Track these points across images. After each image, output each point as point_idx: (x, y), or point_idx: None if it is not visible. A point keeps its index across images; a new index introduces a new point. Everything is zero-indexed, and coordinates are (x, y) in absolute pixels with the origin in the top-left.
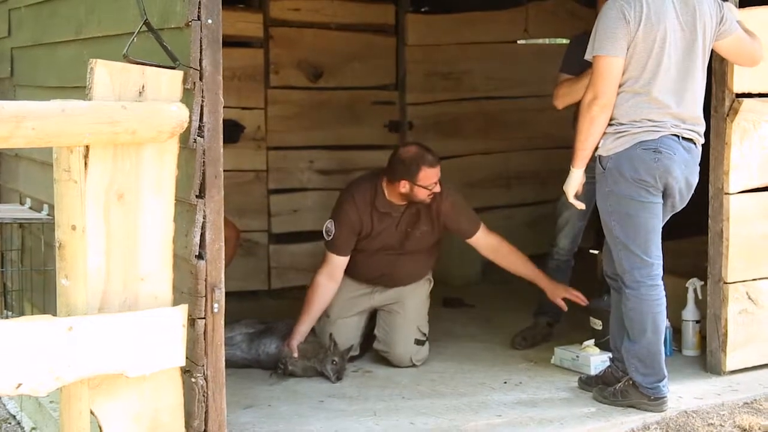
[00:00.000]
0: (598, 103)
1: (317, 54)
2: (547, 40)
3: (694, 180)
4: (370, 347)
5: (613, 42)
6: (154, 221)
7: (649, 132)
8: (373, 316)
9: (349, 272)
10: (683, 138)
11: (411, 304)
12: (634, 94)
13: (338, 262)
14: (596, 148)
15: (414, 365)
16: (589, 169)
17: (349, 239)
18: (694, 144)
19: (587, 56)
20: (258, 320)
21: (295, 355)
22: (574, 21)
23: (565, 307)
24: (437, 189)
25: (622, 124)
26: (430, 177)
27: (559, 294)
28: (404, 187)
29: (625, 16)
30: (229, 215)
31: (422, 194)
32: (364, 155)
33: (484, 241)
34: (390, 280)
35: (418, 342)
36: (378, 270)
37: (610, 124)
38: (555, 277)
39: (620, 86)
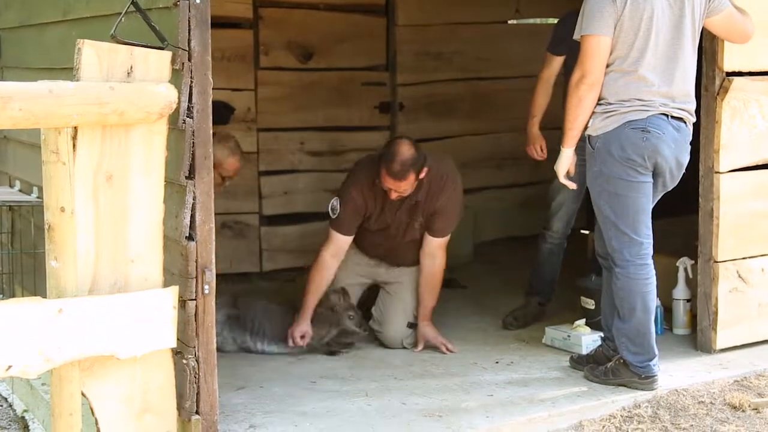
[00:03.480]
0: (585, 82)
1: (307, 35)
2: (538, 20)
3: (685, 159)
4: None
5: (600, 21)
6: (143, 203)
7: (637, 111)
8: (371, 293)
9: (358, 244)
10: (673, 117)
11: (409, 288)
12: (622, 73)
13: (342, 242)
14: (586, 128)
15: (405, 348)
16: (581, 150)
17: (354, 219)
18: (684, 123)
19: (575, 36)
20: (229, 298)
21: (305, 341)
22: (565, 0)
23: (419, 347)
24: (393, 196)
25: (610, 103)
26: (386, 181)
27: (425, 337)
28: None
29: None
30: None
31: (385, 189)
32: (354, 136)
33: (428, 249)
34: (392, 260)
35: (411, 325)
36: (380, 249)
37: (598, 104)
38: (549, 260)
39: (608, 66)
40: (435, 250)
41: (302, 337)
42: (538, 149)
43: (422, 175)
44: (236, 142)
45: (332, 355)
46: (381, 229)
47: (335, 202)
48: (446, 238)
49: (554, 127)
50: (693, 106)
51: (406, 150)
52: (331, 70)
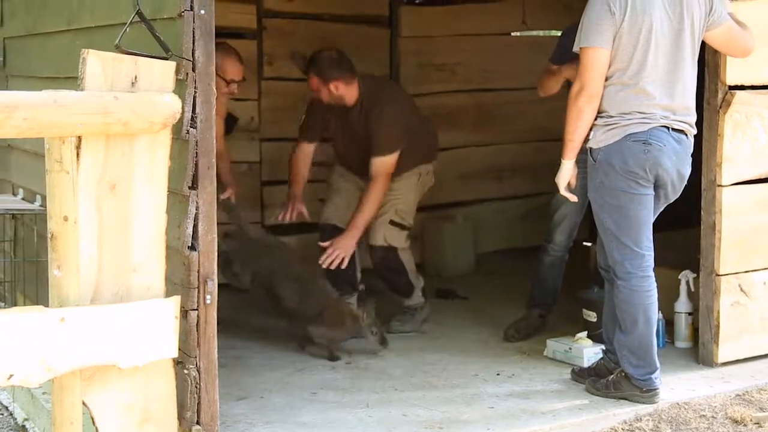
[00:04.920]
0: (584, 94)
1: (311, 45)
2: (541, 32)
3: (687, 171)
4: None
5: (598, 34)
6: (146, 212)
7: (638, 124)
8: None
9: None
10: (673, 129)
11: (392, 186)
12: (622, 86)
13: (306, 148)
14: (587, 141)
15: (389, 245)
16: (583, 163)
17: (314, 124)
18: (686, 135)
19: (575, 48)
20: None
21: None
22: (570, 13)
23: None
24: (320, 95)
25: (611, 116)
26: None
27: (335, 243)
28: None
29: (610, 8)
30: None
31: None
32: None
33: (371, 171)
34: (361, 173)
35: (393, 223)
36: (349, 161)
37: (599, 117)
38: (550, 273)
39: (608, 78)
40: (374, 172)
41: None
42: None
43: (332, 86)
44: (230, 46)
45: (333, 359)
46: (336, 140)
47: (302, 115)
48: (382, 161)
49: (554, 139)
50: (693, 119)
51: (321, 53)
52: None
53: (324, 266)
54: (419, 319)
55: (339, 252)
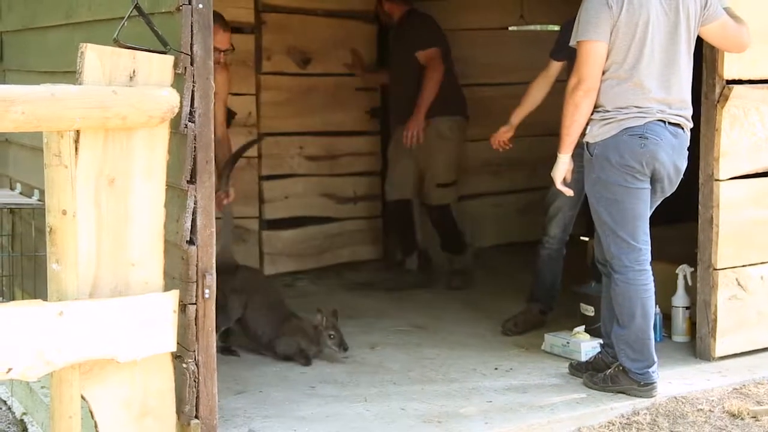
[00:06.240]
0: (581, 88)
1: (305, 40)
2: (538, 27)
3: (683, 165)
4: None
5: (596, 27)
6: (144, 206)
7: (635, 118)
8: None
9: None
10: (670, 123)
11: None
12: (619, 80)
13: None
14: (583, 135)
15: (440, 204)
16: (579, 157)
17: None
18: (682, 129)
19: (572, 42)
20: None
21: None
22: (568, 7)
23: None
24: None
25: (607, 111)
26: None
27: (408, 125)
28: None
29: (607, 2)
30: None
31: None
32: (348, 141)
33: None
34: (398, 110)
35: (439, 185)
36: (393, 101)
37: (596, 111)
38: (548, 266)
39: (605, 72)
40: (423, 62)
41: None
42: (498, 141)
43: (385, 6)
44: (215, 12)
45: (308, 364)
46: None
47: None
48: (423, 54)
49: (551, 134)
50: (690, 113)
51: None
52: (326, 75)
53: (407, 144)
54: (467, 276)
55: (413, 129)
